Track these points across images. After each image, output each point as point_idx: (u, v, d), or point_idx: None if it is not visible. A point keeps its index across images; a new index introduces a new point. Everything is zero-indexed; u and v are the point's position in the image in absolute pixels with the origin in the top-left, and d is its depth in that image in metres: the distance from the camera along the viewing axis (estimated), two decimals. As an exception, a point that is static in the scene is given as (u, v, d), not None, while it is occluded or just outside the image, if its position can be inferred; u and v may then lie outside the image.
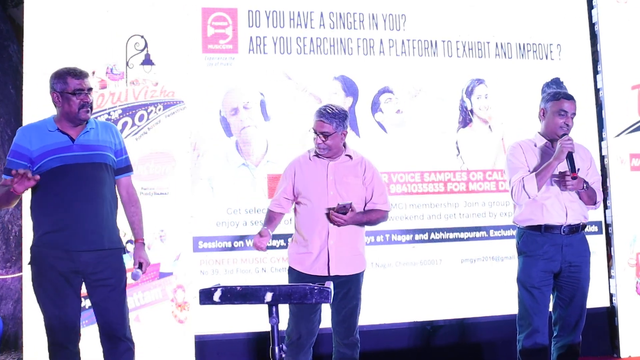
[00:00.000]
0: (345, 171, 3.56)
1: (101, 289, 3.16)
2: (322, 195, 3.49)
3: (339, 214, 3.38)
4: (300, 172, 3.57)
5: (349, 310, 3.50)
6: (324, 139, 3.46)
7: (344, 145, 3.59)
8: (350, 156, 3.60)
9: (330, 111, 3.47)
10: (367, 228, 3.71)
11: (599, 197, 3.61)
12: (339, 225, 3.43)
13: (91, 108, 3.20)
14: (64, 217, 3.09)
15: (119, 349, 3.22)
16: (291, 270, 3.58)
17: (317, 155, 3.56)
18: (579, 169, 3.48)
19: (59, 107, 3.16)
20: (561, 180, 3.46)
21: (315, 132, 3.48)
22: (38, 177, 2.96)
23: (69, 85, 3.12)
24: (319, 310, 3.54)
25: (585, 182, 3.49)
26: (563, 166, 3.46)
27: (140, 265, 3.34)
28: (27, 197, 3.24)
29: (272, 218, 3.66)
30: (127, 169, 3.41)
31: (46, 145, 3.12)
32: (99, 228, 3.17)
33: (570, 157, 3.41)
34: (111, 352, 3.22)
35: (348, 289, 3.52)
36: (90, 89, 3.19)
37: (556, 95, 3.59)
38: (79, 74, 3.16)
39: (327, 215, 3.44)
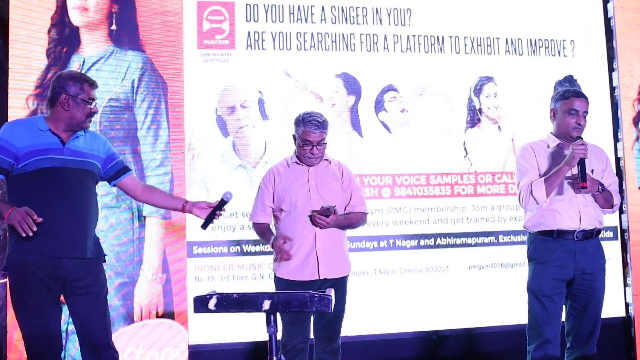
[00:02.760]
0: (326, 175, 3.68)
1: (82, 297, 3.14)
2: (306, 201, 3.59)
3: (322, 217, 3.49)
4: (280, 180, 3.66)
5: (334, 314, 3.52)
6: (319, 149, 3.59)
7: None
8: (328, 161, 3.72)
9: (322, 120, 3.59)
10: (350, 232, 3.78)
11: (616, 199, 3.58)
12: (321, 228, 3.53)
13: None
14: (49, 222, 3.03)
15: (102, 358, 3.20)
16: (279, 280, 3.65)
17: (296, 162, 3.67)
18: (592, 170, 3.46)
19: (65, 110, 3.14)
20: (574, 182, 3.44)
21: (309, 143, 3.56)
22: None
23: (84, 92, 3.15)
24: (310, 317, 3.61)
25: (600, 184, 3.45)
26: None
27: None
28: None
29: (266, 228, 3.72)
30: (126, 169, 3.44)
31: (35, 144, 3.09)
32: (84, 235, 3.15)
33: (581, 164, 3.37)
34: None
35: (335, 292, 3.54)
36: (95, 99, 3.23)
37: (565, 94, 3.57)
38: (94, 84, 3.22)
39: (311, 218, 3.54)
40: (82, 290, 3.13)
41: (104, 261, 3.32)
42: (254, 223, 3.73)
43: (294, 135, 3.66)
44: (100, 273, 3.25)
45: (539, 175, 3.51)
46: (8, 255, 3.11)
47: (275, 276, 3.67)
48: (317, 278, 3.55)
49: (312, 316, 3.62)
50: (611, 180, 3.61)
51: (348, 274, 3.69)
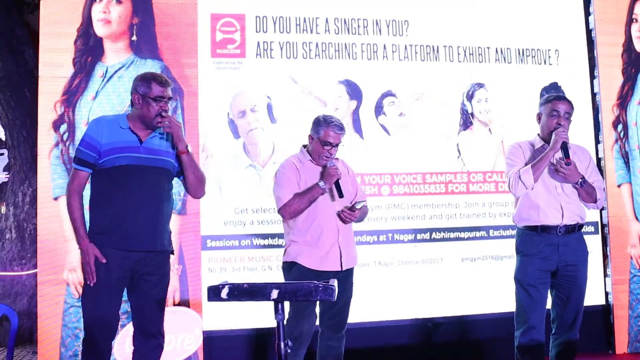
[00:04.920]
0: None
1: (144, 284, 3.13)
2: (325, 197, 3.53)
3: (352, 213, 3.49)
4: (301, 174, 3.58)
5: (344, 302, 3.55)
6: (336, 150, 3.58)
7: None
8: (336, 158, 3.67)
9: (342, 124, 3.59)
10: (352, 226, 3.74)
11: (599, 194, 3.56)
12: (346, 223, 3.53)
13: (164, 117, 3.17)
14: (121, 217, 3.06)
15: (150, 344, 3.18)
16: (297, 267, 3.52)
17: (310, 160, 3.62)
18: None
19: (137, 108, 3.14)
20: (557, 168, 3.43)
21: (329, 144, 3.53)
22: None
23: (152, 90, 3.11)
24: (315, 304, 3.58)
25: (582, 177, 3.46)
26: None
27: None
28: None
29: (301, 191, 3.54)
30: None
31: (115, 142, 3.09)
32: (153, 230, 3.13)
33: (564, 147, 3.40)
34: (142, 348, 3.19)
35: (346, 282, 3.59)
36: (170, 98, 3.18)
37: (548, 98, 3.60)
38: (164, 82, 3.15)
39: (339, 214, 3.51)
40: (145, 277, 3.13)
41: (172, 253, 3.30)
42: (284, 205, 3.52)
43: (310, 136, 3.62)
44: (165, 264, 3.23)
45: None
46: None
47: (295, 263, 3.53)
48: (340, 269, 3.53)
49: (318, 305, 3.59)
50: (595, 178, 3.60)
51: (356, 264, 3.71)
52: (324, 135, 3.53)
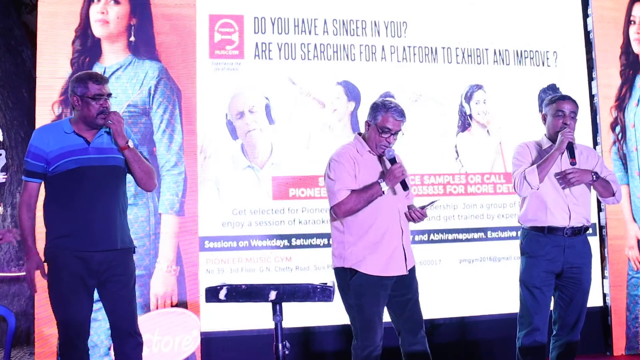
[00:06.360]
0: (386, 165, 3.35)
1: (111, 285, 3.13)
2: (388, 193, 3.22)
3: (423, 212, 3.25)
4: (358, 167, 3.23)
5: (415, 302, 3.32)
6: (395, 138, 3.28)
7: None
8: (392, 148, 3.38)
9: (402, 108, 3.28)
10: None
11: (615, 187, 3.52)
12: (415, 222, 3.30)
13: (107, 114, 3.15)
14: (77, 220, 3.06)
15: (129, 344, 3.18)
16: (359, 275, 3.18)
17: (369, 151, 3.31)
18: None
19: (77, 110, 3.13)
20: (564, 177, 3.41)
21: (388, 131, 3.22)
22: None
23: (89, 89, 3.08)
24: (382, 315, 3.27)
25: (593, 172, 3.44)
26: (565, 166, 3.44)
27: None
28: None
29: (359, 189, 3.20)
30: None
31: (62, 147, 3.08)
32: (111, 229, 3.13)
33: (570, 147, 3.38)
34: (122, 349, 3.18)
35: (412, 281, 3.34)
36: (109, 95, 3.15)
37: (552, 98, 3.59)
38: (100, 80, 3.13)
39: (405, 213, 3.26)
40: (112, 278, 3.12)
41: (134, 252, 3.28)
42: (340, 203, 3.16)
43: (367, 122, 3.33)
44: (129, 262, 3.23)
45: None
46: (45, 249, 3.12)
47: (355, 271, 3.18)
48: (405, 273, 3.24)
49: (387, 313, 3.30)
50: (606, 172, 3.58)
51: None
52: (382, 120, 3.22)
